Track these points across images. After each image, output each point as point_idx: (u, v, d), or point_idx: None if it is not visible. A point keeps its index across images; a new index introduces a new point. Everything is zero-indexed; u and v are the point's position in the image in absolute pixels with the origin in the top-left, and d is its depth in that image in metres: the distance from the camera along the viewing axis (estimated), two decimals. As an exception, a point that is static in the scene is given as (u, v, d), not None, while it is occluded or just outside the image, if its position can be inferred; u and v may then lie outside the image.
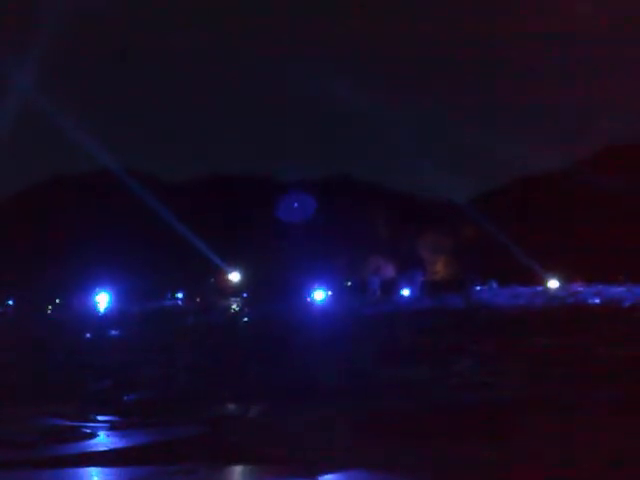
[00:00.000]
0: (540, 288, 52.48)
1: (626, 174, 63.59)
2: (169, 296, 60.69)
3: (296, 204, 75.10)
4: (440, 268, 69.50)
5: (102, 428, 10.62)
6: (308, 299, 58.73)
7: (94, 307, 52.54)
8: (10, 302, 61.01)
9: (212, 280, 62.63)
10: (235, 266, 64.53)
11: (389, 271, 66.15)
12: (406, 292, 56.81)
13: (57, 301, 57.50)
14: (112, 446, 9.36)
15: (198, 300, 52.54)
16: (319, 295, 60.02)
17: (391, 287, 59.34)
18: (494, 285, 56.50)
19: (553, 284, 55.93)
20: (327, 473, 7.64)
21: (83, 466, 8.35)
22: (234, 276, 64.49)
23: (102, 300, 54.37)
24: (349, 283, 66.50)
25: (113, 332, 32.06)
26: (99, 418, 11.34)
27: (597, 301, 39.54)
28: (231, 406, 12.69)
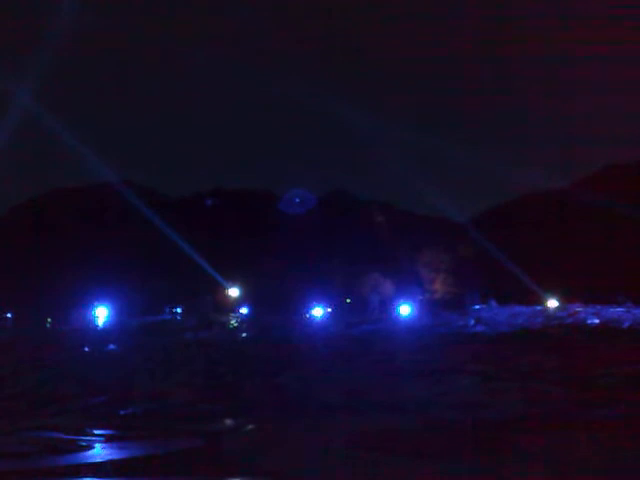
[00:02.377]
0: (539, 308, 52.37)
1: (625, 193, 63.82)
2: (167, 310, 60.55)
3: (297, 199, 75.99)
4: (439, 286, 69.43)
5: (98, 441, 10.59)
6: (307, 315, 58.63)
7: (93, 321, 52.40)
8: (9, 315, 60.83)
9: (210, 296, 62.49)
10: (234, 281, 64.49)
11: (388, 288, 66.08)
12: (405, 310, 56.66)
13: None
14: (108, 458, 9.33)
15: (196, 316, 52.41)
16: (318, 312, 59.91)
17: (390, 305, 59.24)
18: (493, 304, 56.41)
19: (552, 304, 55.83)
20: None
21: (78, 477, 8.32)
22: (233, 292, 64.43)
23: (101, 314, 54.26)
24: (348, 300, 66.41)
25: (111, 346, 31.95)
26: (95, 431, 11.29)
27: (596, 321, 39.43)
28: (228, 420, 12.66)
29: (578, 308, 48.48)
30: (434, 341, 30.58)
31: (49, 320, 56.27)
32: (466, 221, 78.58)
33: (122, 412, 13.43)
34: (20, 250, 72.03)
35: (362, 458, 9.12)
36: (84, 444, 10.25)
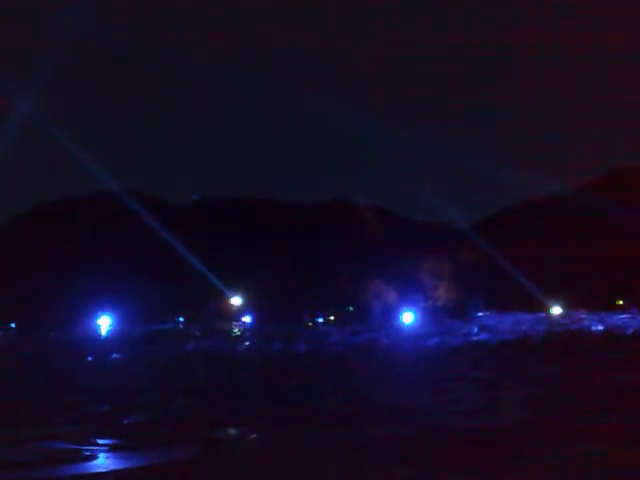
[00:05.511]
0: (543, 315, 52.18)
1: (627, 198, 63.77)
2: (170, 319, 60.52)
3: None
4: (441, 293, 69.29)
5: (102, 450, 10.62)
6: (310, 323, 58.58)
7: (96, 330, 52.45)
8: (12, 325, 60.90)
9: (213, 305, 62.53)
10: (237, 290, 64.50)
11: (391, 296, 65.95)
12: (408, 317, 56.51)
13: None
14: (111, 468, 9.37)
15: (199, 324, 52.48)
16: (320, 320, 59.88)
17: (393, 312, 59.09)
18: (496, 311, 56.21)
19: (556, 310, 55.69)
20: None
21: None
22: (236, 300, 64.42)
23: (104, 323, 54.34)
24: (350, 308, 66.34)
25: (114, 355, 31.97)
26: (99, 441, 11.33)
27: (600, 328, 39.23)
28: (230, 429, 12.67)
29: (582, 315, 48.26)
30: (437, 349, 30.53)
31: (52, 329, 56.21)
32: (468, 227, 78.57)
33: (125, 421, 13.46)
34: (22, 259, 72.18)
35: (364, 467, 9.13)
36: (88, 454, 10.30)
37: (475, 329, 41.43)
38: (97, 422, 13.37)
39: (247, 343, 38.63)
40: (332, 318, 62.48)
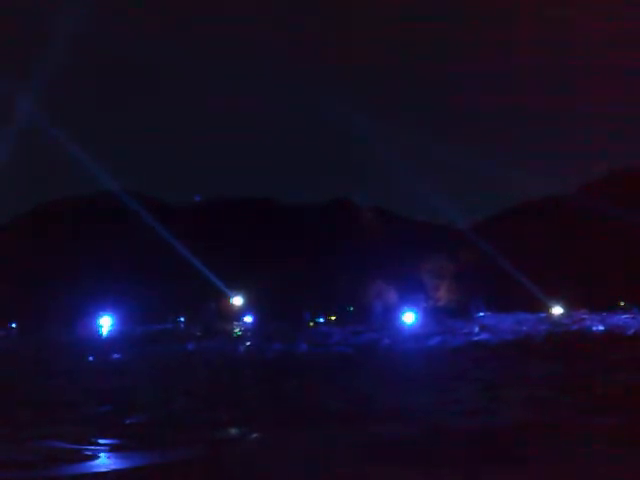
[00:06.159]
0: (543, 315, 52.20)
1: (627, 198, 63.78)
2: (171, 319, 60.58)
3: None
4: (442, 293, 69.31)
5: (103, 451, 10.62)
6: (311, 324, 58.64)
7: (97, 330, 52.52)
8: (13, 325, 61.00)
9: (213, 305, 62.57)
10: (238, 290, 64.55)
11: (392, 296, 65.97)
12: (409, 317, 56.51)
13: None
14: (112, 468, 9.36)
15: (200, 324, 52.50)
16: (321, 320, 59.90)
17: (394, 312, 59.11)
18: (497, 311, 56.21)
19: (557, 311, 55.72)
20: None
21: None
22: (237, 300, 64.47)
23: (105, 323, 54.43)
24: (351, 308, 66.40)
25: (115, 355, 31.97)
26: (100, 441, 11.33)
27: (601, 328, 39.23)
28: (231, 429, 12.67)
29: (583, 315, 48.29)
30: (438, 349, 30.54)
31: (53, 329, 56.27)
32: (468, 228, 78.67)
33: (127, 421, 13.45)
34: (23, 258, 72.23)
35: (365, 468, 9.13)
36: (89, 453, 10.29)
37: (476, 329, 41.45)
38: (98, 422, 13.37)
39: (248, 343, 38.61)
40: (333, 318, 62.56)
